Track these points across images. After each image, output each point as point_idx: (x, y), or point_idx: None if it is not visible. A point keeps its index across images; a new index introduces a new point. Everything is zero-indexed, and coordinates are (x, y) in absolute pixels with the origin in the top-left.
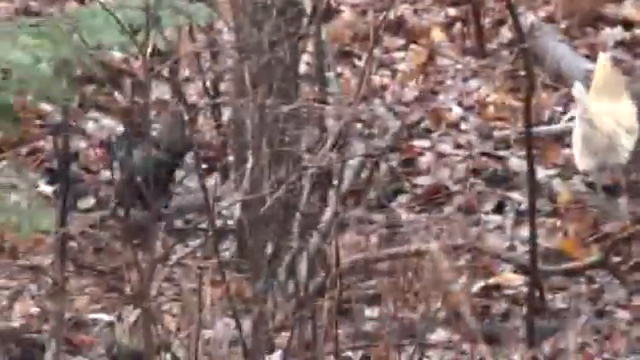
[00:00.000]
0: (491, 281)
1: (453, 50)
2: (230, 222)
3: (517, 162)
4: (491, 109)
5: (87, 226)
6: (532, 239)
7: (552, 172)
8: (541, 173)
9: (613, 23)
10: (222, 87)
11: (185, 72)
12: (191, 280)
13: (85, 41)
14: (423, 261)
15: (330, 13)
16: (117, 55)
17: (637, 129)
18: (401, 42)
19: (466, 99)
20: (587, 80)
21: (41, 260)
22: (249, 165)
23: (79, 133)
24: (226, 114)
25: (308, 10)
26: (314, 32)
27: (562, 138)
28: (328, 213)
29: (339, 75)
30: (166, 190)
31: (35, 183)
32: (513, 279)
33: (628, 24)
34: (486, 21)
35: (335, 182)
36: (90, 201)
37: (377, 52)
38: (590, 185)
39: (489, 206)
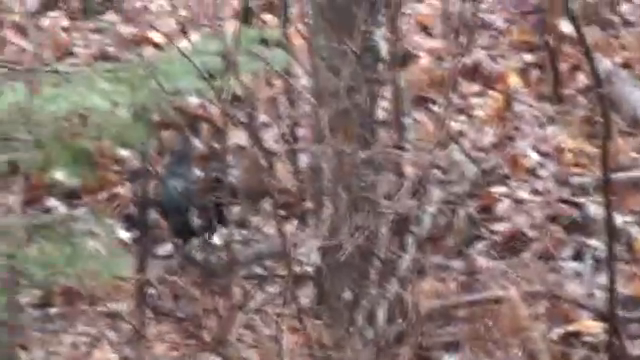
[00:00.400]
0: (570, 328)
1: (529, 96)
2: (308, 268)
3: (595, 209)
4: (568, 155)
5: (166, 272)
6: (611, 286)
7: (630, 219)
8: (619, 219)
9: None
10: (299, 133)
11: (262, 118)
12: (270, 327)
13: (162, 86)
14: (501, 308)
15: (407, 59)
16: (194, 101)
17: None
18: (478, 88)
19: (543, 145)
20: None
21: (120, 307)
22: (327, 211)
23: (157, 179)
24: (303, 160)
25: (385, 56)
26: (391, 78)
27: None
28: (406, 260)
29: (416, 121)
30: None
31: (113, 230)
32: (592, 326)
33: None
34: (562, 67)
35: (413, 228)
36: (167, 247)
37: (454, 98)
38: None
39: (567, 253)
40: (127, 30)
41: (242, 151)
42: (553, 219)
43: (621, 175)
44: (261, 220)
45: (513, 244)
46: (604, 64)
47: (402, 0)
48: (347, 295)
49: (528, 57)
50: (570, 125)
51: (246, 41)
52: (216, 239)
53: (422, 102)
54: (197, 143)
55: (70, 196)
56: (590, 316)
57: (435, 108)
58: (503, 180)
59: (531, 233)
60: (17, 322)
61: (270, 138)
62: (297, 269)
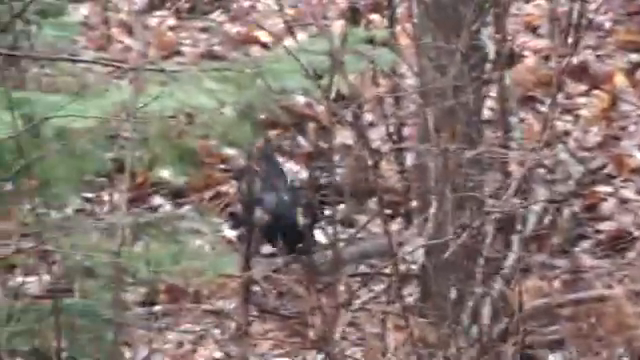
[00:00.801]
0: None
1: (635, 96)
2: (414, 267)
3: None
4: None
5: (270, 270)
6: None
7: None
8: None
9: None
10: (405, 132)
11: (368, 117)
12: (375, 325)
13: (269, 85)
14: (606, 306)
15: (513, 58)
16: (301, 100)
17: None
18: (584, 88)
19: None
20: None
21: (224, 304)
22: (432, 210)
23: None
24: (409, 159)
25: (492, 55)
26: (498, 77)
27: None
28: (511, 258)
29: (522, 120)
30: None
31: (219, 228)
32: None
33: None
34: None
35: (518, 227)
36: (270, 248)
37: (560, 97)
38: None
39: None
40: (234, 29)
41: (348, 150)
42: None
43: None
44: (367, 219)
45: (618, 243)
46: None
47: (509, 0)
48: (452, 293)
49: (635, 57)
50: None
51: (353, 40)
52: (321, 237)
53: (528, 101)
54: (303, 142)
55: (176, 194)
56: None
57: (541, 108)
58: (608, 179)
59: (636, 232)
60: (122, 320)
61: (376, 137)
62: (402, 267)
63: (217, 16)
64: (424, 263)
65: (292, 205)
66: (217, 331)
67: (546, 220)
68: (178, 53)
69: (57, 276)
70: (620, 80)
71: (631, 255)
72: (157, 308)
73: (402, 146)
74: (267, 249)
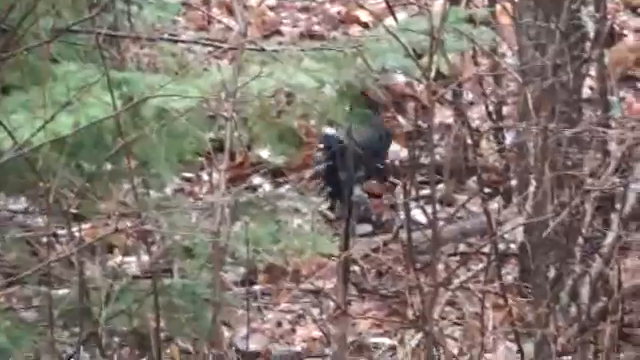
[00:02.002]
0: None
1: None
2: (512, 246)
3: None
4: None
5: (369, 250)
6: None
7: None
8: None
9: None
10: (505, 111)
11: (468, 96)
12: (473, 304)
13: (369, 65)
14: None
15: (613, 37)
16: (401, 79)
17: None
18: None
19: None
20: None
21: (324, 284)
22: (532, 189)
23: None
24: (509, 138)
25: (592, 34)
26: (597, 56)
27: None
28: (610, 237)
29: (622, 99)
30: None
31: (318, 207)
32: None
33: None
34: None
35: (617, 206)
36: (368, 227)
37: None
38: None
39: None
40: (334, 9)
41: (448, 129)
42: None
43: None
44: (466, 197)
45: None
46: None
47: None
48: (551, 272)
49: None
50: None
51: (453, 20)
52: (421, 216)
53: (628, 80)
54: (403, 121)
55: (275, 174)
56: None
57: None
58: None
59: None
60: (221, 300)
61: (476, 116)
62: (501, 246)
63: None
64: (523, 242)
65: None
66: (316, 311)
67: None
68: (278, 33)
69: (156, 256)
70: None
71: None
72: (256, 287)
73: (501, 125)
74: (365, 228)
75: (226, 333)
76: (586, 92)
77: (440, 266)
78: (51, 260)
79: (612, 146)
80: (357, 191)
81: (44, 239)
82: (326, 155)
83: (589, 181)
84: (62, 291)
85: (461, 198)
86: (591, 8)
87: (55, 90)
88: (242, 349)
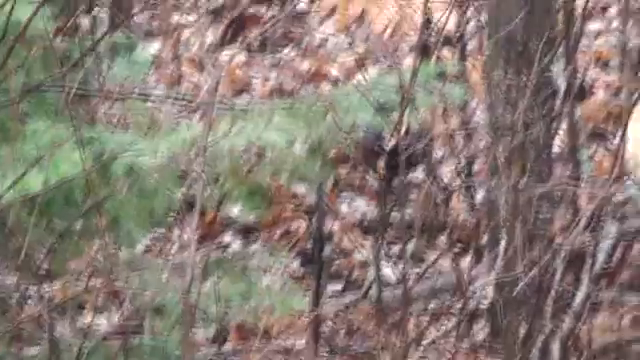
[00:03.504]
0: None
1: None
2: (483, 303)
3: None
4: None
5: (340, 308)
6: None
7: None
8: None
9: None
10: (476, 168)
11: (439, 152)
12: None
13: (339, 121)
14: None
15: (584, 93)
16: (371, 135)
17: None
18: None
19: None
20: None
21: (294, 343)
22: (502, 246)
23: (333, 214)
24: (480, 195)
25: (562, 90)
26: (568, 112)
27: None
28: (581, 294)
29: (592, 155)
30: None
31: (288, 265)
32: None
33: None
34: None
35: (588, 263)
36: (338, 285)
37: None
38: None
39: None
40: (304, 65)
41: (419, 186)
42: None
43: None
44: (437, 255)
45: None
46: None
47: (580, 34)
48: (521, 330)
49: None
50: None
51: (423, 76)
52: (391, 274)
53: (598, 136)
54: (373, 178)
55: (246, 232)
56: None
57: (611, 142)
58: None
59: None
60: (192, 359)
61: (446, 173)
62: (472, 304)
63: (288, 52)
64: (494, 299)
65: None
66: None
67: (616, 256)
68: (248, 90)
69: (127, 315)
70: None
71: None
72: (227, 346)
73: (472, 182)
74: (336, 287)
75: None
76: (557, 149)
77: (411, 324)
78: (21, 319)
79: (583, 203)
80: (327, 249)
81: (14, 298)
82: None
83: (560, 238)
84: (32, 350)
85: (432, 255)
86: (562, 64)
87: (25, 148)
88: None
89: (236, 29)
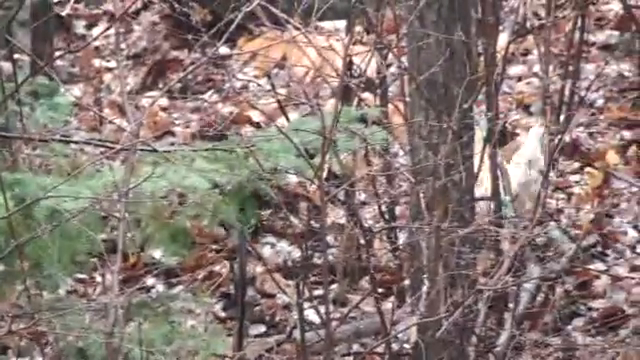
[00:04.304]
0: None
1: (628, 173)
2: (406, 346)
3: None
4: None
5: (263, 350)
6: None
7: None
8: None
9: None
10: (398, 211)
11: (361, 196)
12: None
13: (261, 165)
14: None
15: (505, 137)
16: (293, 179)
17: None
18: (576, 165)
19: None
20: None
21: None
22: (425, 288)
23: (255, 258)
24: (402, 238)
25: (483, 134)
26: (489, 155)
27: None
28: (504, 336)
29: (514, 198)
30: None
31: (211, 308)
32: None
33: None
34: None
35: (511, 305)
36: (261, 327)
37: (552, 175)
38: None
39: None
40: (226, 109)
41: (340, 229)
42: None
43: None
44: (359, 297)
45: (611, 321)
46: None
47: (501, 78)
48: None
49: (627, 134)
50: None
51: (345, 119)
52: (314, 316)
53: None
54: (295, 221)
55: (168, 275)
56: None
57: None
58: (601, 257)
59: (629, 310)
60: None
61: (368, 216)
62: (395, 346)
63: (209, 96)
64: (417, 341)
65: None
66: None
67: (539, 298)
68: (170, 133)
69: (50, 357)
70: (612, 157)
71: (624, 333)
72: None
73: (394, 225)
74: (259, 329)
75: None
76: (478, 191)
77: None
78: None
79: (505, 245)
80: (250, 292)
81: None
82: None
83: (482, 280)
84: None
85: (354, 298)
86: (483, 107)
87: None
88: None
89: (157, 73)
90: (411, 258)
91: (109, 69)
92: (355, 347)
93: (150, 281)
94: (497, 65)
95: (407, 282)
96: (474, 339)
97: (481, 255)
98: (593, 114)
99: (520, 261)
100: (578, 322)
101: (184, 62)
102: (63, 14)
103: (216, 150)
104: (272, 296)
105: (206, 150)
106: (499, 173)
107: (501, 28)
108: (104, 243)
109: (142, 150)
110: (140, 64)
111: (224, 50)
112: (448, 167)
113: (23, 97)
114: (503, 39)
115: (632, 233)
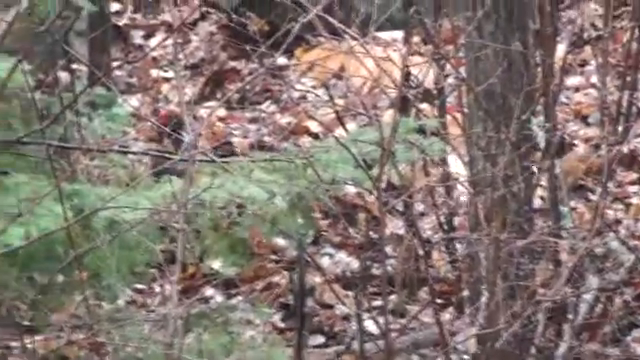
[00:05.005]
0: None
1: None
2: (465, 357)
3: None
4: None
5: None
6: None
7: None
8: None
9: None
10: (456, 222)
11: (419, 207)
12: None
13: (319, 176)
14: None
15: (563, 147)
16: (351, 190)
17: None
18: (634, 176)
19: None
20: None
21: None
22: (484, 300)
23: (314, 268)
24: (460, 249)
25: (542, 144)
26: (548, 166)
27: None
28: (563, 347)
29: (573, 209)
30: None
31: (270, 318)
32: None
33: None
34: None
35: (570, 316)
36: (320, 338)
37: (610, 186)
38: None
39: None
40: (284, 120)
41: (399, 240)
42: None
43: None
44: (418, 308)
45: None
46: None
47: (559, 89)
48: None
49: None
50: None
51: (403, 130)
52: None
53: (579, 190)
54: (354, 232)
55: (227, 285)
56: None
57: (592, 196)
58: None
59: None
60: None
61: (427, 227)
62: (454, 357)
63: (267, 107)
64: (476, 353)
65: None
66: None
67: (598, 309)
68: (228, 144)
69: None
70: None
71: None
72: None
73: (453, 236)
74: (318, 340)
75: None
76: (537, 202)
77: None
78: None
79: (564, 256)
80: (309, 302)
81: None
82: None
83: (541, 291)
84: None
85: (413, 309)
86: (541, 118)
87: (6, 202)
88: None
89: (215, 84)
90: (470, 269)
91: (167, 79)
92: (414, 358)
93: (209, 292)
94: (555, 76)
95: (466, 293)
96: (533, 350)
97: (540, 266)
98: None
99: (579, 272)
100: (637, 333)
101: (242, 72)
102: (121, 24)
103: (274, 160)
104: (331, 307)
105: (264, 161)
106: (557, 184)
107: (559, 39)
108: (163, 254)
109: (200, 161)
110: (198, 74)
111: (282, 61)
112: (506, 178)
113: (81, 108)
114: (561, 50)
115: None
